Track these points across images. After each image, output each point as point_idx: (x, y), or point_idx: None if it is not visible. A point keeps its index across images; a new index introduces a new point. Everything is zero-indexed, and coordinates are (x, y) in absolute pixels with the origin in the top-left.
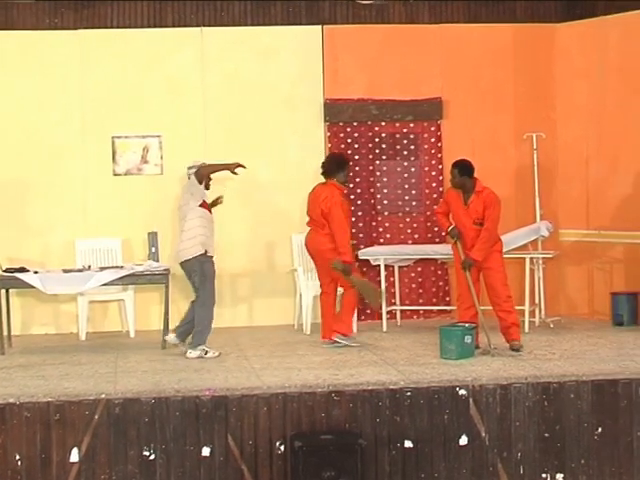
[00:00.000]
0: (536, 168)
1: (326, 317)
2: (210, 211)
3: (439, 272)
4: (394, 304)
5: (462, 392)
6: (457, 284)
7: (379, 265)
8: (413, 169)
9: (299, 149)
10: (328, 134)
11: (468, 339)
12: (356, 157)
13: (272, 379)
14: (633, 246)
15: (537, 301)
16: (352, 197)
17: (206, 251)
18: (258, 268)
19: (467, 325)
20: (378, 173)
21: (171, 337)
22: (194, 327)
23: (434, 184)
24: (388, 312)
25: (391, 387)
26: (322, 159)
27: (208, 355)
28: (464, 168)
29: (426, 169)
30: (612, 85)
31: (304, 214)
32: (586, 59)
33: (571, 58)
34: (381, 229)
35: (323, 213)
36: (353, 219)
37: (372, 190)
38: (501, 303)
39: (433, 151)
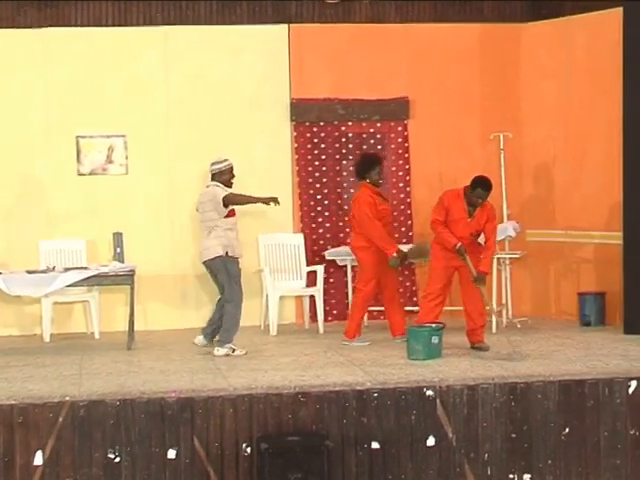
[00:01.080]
0: (503, 168)
1: (355, 315)
2: (235, 214)
3: (406, 272)
4: None
5: (429, 393)
6: (430, 280)
7: (346, 266)
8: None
9: (265, 149)
10: (294, 134)
11: (435, 340)
12: (322, 157)
13: (238, 380)
14: (600, 246)
15: (504, 301)
16: (319, 197)
17: (227, 252)
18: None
19: (434, 325)
20: (345, 173)
21: (199, 339)
22: (221, 326)
23: (401, 184)
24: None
25: (358, 388)
26: (288, 159)
27: (235, 353)
28: (489, 187)
29: (393, 169)
30: (579, 85)
31: (270, 215)
32: (553, 59)
33: (538, 58)
34: (348, 229)
35: (354, 214)
36: (320, 219)
37: (339, 190)
38: (475, 302)
39: (400, 151)
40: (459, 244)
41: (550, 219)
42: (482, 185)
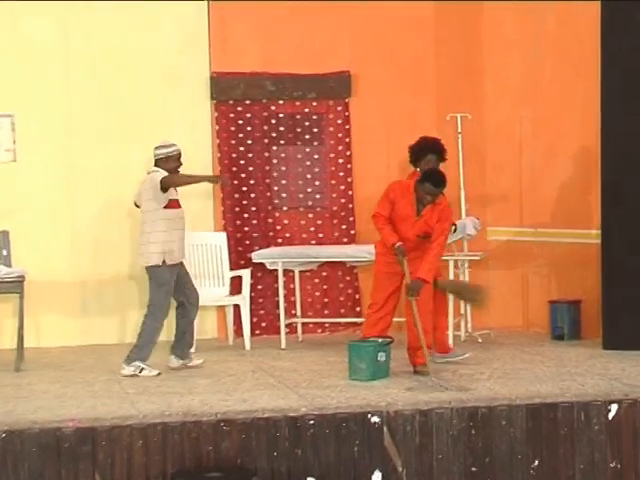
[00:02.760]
0: (461, 154)
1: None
2: (179, 206)
3: (348, 278)
4: (295, 316)
5: (375, 419)
6: (373, 288)
7: (276, 270)
8: (317, 156)
9: (181, 132)
10: (215, 114)
11: (382, 356)
12: (249, 142)
13: (149, 406)
14: (575, 246)
15: (462, 311)
16: (244, 189)
17: (164, 261)
18: (129, 274)
19: (381, 340)
20: (275, 161)
21: (171, 360)
22: (183, 338)
23: (341, 173)
24: (287, 325)
25: (291, 414)
26: (208, 144)
27: (144, 373)
28: (441, 183)
29: (332, 156)
30: (548, 58)
31: (191, 208)
32: (519, 28)
33: (502, 27)
34: (279, 227)
35: None
36: (245, 215)
37: (268, 181)
38: (419, 317)
39: (340, 135)
40: (398, 244)
41: (516, 215)
42: (432, 180)
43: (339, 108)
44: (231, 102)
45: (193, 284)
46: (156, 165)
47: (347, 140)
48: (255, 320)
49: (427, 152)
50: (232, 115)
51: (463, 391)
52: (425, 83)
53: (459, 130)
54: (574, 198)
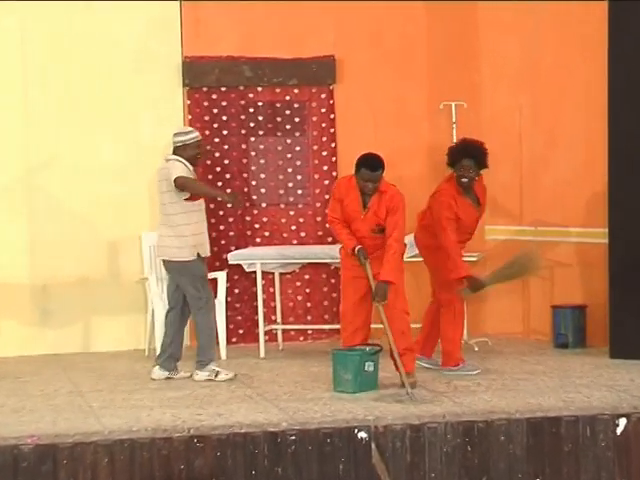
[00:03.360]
0: None
1: (454, 334)
2: (200, 197)
3: (332, 280)
4: (274, 322)
5: (362, 435)
6: (342, 296)
7: (254, 272)
8: (298, 148)
9: (151, 123)
10: (188, 102)
11: (369, 366)
12: (224, 132)
13: (115, 421)
14: (579, 246)
15: None
16: (219, 184)
17: (198, 254)
18: (96, 276)
19: (368, 349)
20: (253, 153)
21: (156, 371)
22: (169, 347)
23: (325, 167)
24: (266, 333)
25: (271, 429)
26: None
27: (220, 377)
28: (377, 165)
29: (315, 148)
30: (549, 40)
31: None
32: (517, 8)
33: (499, 8)
34: (257, 225)
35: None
36: (221, 213)
37: (245, 175)
38: (396, 319)
39: (324, 125)
40: (357, 247)
41: (515, 211)
42: (367, 164)
43: (323, 95)
44: (205, 89)
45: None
46: (174, 153)
47: (331, 130)
48: (231, 327)
49: (464, 156)
50: (206, 103)
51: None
52: (416, 68)
53: (453, 120)
54: (578, 193)
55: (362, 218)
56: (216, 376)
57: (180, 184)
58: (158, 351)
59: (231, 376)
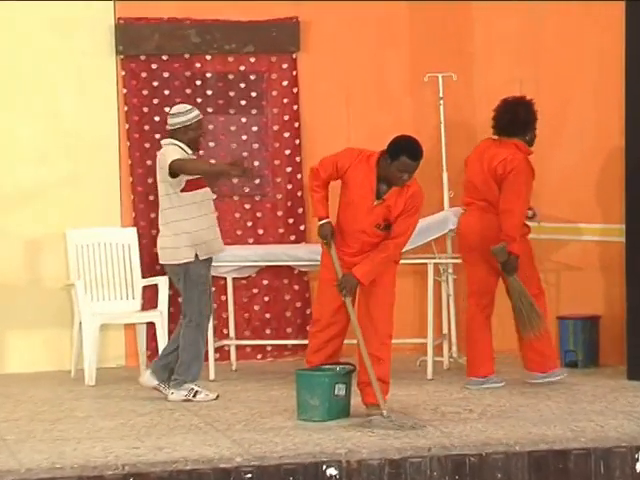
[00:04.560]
0: (443, 126)
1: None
2: (205, 186)
3: (296, 287)
4: (227, 337)
5: (331, 472)
6: (317, 301)
7: None
8: (255, 128)
9: (76, 98)
10: (122, 73)
11: (340, 390)
12: (167, 110)
13: (35, 457)
14: (591, 246)
15: (445, 330)
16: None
17: (197, 255)
18: (11, 282)
19: (339, 368)
20: None
21: (146, 376)
22: (171, 354)
23: (288, 151)
24: (217, 350)
25: (222, 466)
26: (113, 113)
27: (199, 397)
28: (420, 154)
29: (275, 128)
30: (553, 3)
31: (88, 197)
32: None
33: None
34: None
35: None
36: None
37: None
38: (373, 341)
39: (286, 101)
40: (325, 221)
41: None
42: (410, 151)
43: (284, 66)
44: (143, 57)
45: (210, 297)
46: (172, 136)
47: (295, 108)
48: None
49: (536, 118)
50: (144, 75)
51: (419, 429)
52: (396, 34)
53: (440, 95)
54: (590, 183)
55: (371, 208)
56: (194, 396)
57: (177, 167)
58: (158, 356)
59: (213, 397)
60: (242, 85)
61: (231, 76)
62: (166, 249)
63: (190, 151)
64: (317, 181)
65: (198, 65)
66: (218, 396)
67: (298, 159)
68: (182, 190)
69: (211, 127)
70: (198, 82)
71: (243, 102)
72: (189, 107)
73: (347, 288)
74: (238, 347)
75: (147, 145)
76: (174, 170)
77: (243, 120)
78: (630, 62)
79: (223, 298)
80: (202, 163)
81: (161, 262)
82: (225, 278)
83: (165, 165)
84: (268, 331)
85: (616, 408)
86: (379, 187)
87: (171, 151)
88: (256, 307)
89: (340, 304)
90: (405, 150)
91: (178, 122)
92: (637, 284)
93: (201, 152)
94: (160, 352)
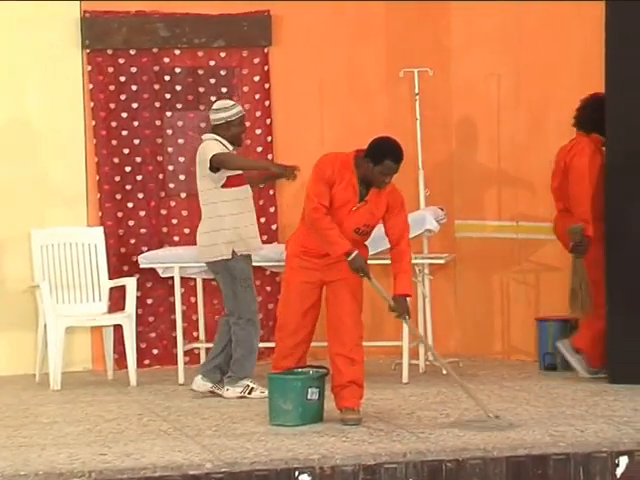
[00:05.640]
0: (419, 123)
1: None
2: (244, 183)
3: (268, 289)
4: (197, 340)
5: (304, 478)
6: (282, 306)
7: (172, 278)
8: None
9: (41, 93)
10: (89, 68)
11: (313, 394)
12: (134, 106)
13: None
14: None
15: (422, 333)
16: (128, 170)
17: (234, 252)
18: None
19: (312, 372)
20: (170, 131)
21: (198, 381)
22: (219, 355)
23: (259, 148)
24: (187, 353)
25: (192, 472)
26: (79, 109)
27: (254, 394)
28: (402, 156)
29: (247, 125)
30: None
31: (53, 196)
32: None
33: None
34: (175, 221)
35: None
36: (130, 205)
37: (160, 159)
38: (346, 343)
39: (258, 96)
40: (355, 253)
41: (492, 204)
42: (393, 155)
43: (256, 60)
44: (110, 52)
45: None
46: (214, 131)
47: (266, 103)
48: (144, 346)
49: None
50: (111, 69)
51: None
52: (372, 27)
53: (416, 90)
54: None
55: (353, 211)
56: (250, 393)
57: (219, 162)
58: (206, 359)
59: (266, 394)
60: (212, 80)
61: (201, 71)
62: (203, 247)
63: (231, 147)
64: (326, 216)
65: (167, 60)
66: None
67: (270, 156)
68: (223, 186)
69: (180, 124)
70: (167, 77)
71: (213, 98)
72: (232, 103)
73: (402, 310)
74: (208, 350)
75: (114, 142)
76: (215, 164)
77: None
78: (611, 58)
79: (193, 300)
80: (244, 158)
81: (199, 260)
82: (194, 279)
83: (206, 159)
84: None
85: (596, 412)
86: (360, 189)
87: (212, 145)
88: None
89: (307, 308)
90: (389, 154)
91: (221, 118)
92: (617, 285)
93: (159, 140)
94: (208, 355)
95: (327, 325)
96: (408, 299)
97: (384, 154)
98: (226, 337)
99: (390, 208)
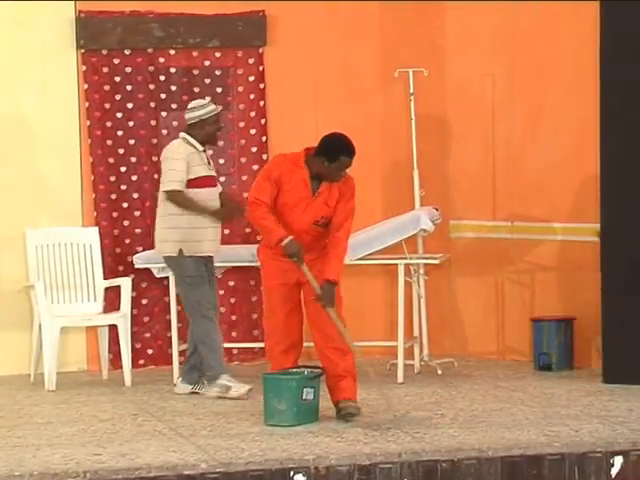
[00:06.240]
0: (414, 123)
1: None
2: (213, 184)
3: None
4: None
5: (299, 478)
6: (266, 310)
7: (167, 278)
8: (221, 125)
9: (36, 93)
10: (83, 68)
11: (308, 394)
12: (129, 106)
13: None
14: (567, 246)
15: (417, 333)
16: (123, 170)
17: (181, 251)
18: None
19: (307, 372)
20: (165, 132)
21: (179, 384)
22: (191, 356)
23: (254, 148)
24: (182, 353)
25: (187, 472)
26: (74, 109)
27: (231, 393)
28: (354, 149)
29: (241, 125)
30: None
31: (48, 196)
32: None
33: None
34: None
35: None
36: (125, 205)
37: (155, 159)
38: (332, 335)
39: (252, 96)
40: (289, 238)
41: (487, 204)
42: (347, 151)
43: (251, 60)
44: (105, 52)
45: (215, 289)
46: (188, 131)
47: (261, 104)
48: (139, 346)
49: None
50: (106, 70)
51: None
52: (366, 28)
53: (411, 90)
54: (564, 181)
55: (307, 206)
56: (227, 392)
57: (169, 196)
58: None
59: (244, 391)
60: (207, 80)
61: (196, 71)
62: (156, 241)
63: (201, 147)
64: (261, 208)
65: (162, 60)
66: (250, 389)
67: (265, 157)
68: (189, 186)
69: (175, 124)
70: (162, 77)
71: (208, 98)
72: (206, 101)
73: (329, 298)
74: None
75: (109, 142)
76: (167, 198)
77: None
78: (605, 58)
79: None
80: (191, 202)
81: (156, 254)
82: None
83: (166, 158)
84: (234, 334)
85: (591, 412)
86: (312, 184)
87: (175, 148)
88: (222, 309)
89: (290, 309)
90: (343, 150)
91: (195, 116)
92: (612, 285)
93: (154, 141)
94: (185, 358)
95: (310, 325)
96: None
97: (338, 151)
98: (190, 339)
99: (341, 195)
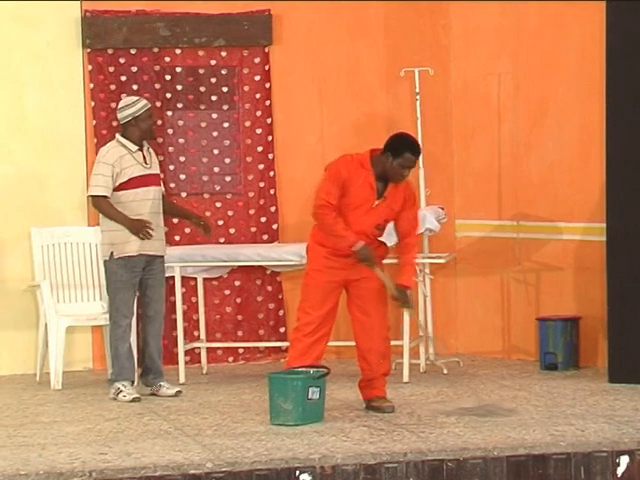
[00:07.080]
0: (419, 122)
1: None
2: (147, 184)
3: (269, 288)
4: (198, 339)
5: (305, 477)
6: (305, 303)
7: (173, 277)
8: (226, 124)
9: (41, 92)
10: (89, 67)
11: (314, 393)
12: None
13: None
14: (573, 245)
15: (422, 332)
16: None
17: (112, 254)
18: None
19: (313, 372)
20: (171, 131)
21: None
22: (142, 359)
23: (260, 148)
24: (187, 352)
25: (192, 472)
26: (80, 108)
27: (121, 397)
28: (419, 149)
29: (247, 124)
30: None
31: (53, 195)
32: None
33: None
34: (175, 220)
35: None
36: None
37: (162, 158)
38: (375, 338)
39: (258, 96)
40: (360, 244)
41: (493, 203)
42: (412, 148)
43: (257, 60)
44: (110, 51)
45: (159, 290)
46: (123, 132)
47: (267, 103)
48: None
49: None
50: (112, 69)
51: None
52: (371, 27)
53: (417, 90)
54: (570, 181)
55: (372, 208)
56: (117, 395)
57: (95, 203)
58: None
59: (129, 399)
60: (213, 80)
61: (201, 70)
62: (100, 244)
63: (135, 147)
64: (332, 212)
65: (167, 59)
66: (179, 391)
67: (271, 156)
68: (115, 189)
69: (181, 123)
70: (167, 77)
71: (214, 97)
72: (136, 98)
73: (407, 300)
74: (209, 350)
75: None
76: (91, 203)
77: (214, 116)
78: (611, 58)
79: (194, 299)
80: (110, 209)
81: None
82: (195, 279)
83: (94, 166)
84: (240, 333)
85: (597, 412)
86: (377, 186)
87: (105, 152)
88: (228, 308)
89: (330, 308)
90: (408, 147)
91: (128, 115)
92: (618, 284)
93: (160, 140)
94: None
95: (353, 323)
96: (409, 291)
97: (404, 147)
98: (140, 338)
99: (405, 201)
